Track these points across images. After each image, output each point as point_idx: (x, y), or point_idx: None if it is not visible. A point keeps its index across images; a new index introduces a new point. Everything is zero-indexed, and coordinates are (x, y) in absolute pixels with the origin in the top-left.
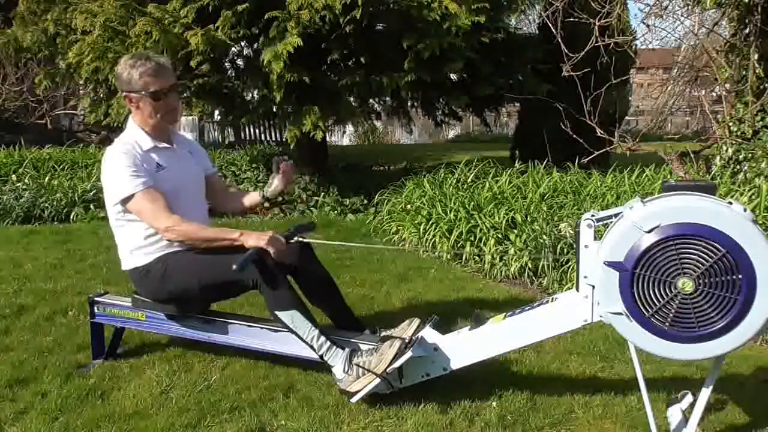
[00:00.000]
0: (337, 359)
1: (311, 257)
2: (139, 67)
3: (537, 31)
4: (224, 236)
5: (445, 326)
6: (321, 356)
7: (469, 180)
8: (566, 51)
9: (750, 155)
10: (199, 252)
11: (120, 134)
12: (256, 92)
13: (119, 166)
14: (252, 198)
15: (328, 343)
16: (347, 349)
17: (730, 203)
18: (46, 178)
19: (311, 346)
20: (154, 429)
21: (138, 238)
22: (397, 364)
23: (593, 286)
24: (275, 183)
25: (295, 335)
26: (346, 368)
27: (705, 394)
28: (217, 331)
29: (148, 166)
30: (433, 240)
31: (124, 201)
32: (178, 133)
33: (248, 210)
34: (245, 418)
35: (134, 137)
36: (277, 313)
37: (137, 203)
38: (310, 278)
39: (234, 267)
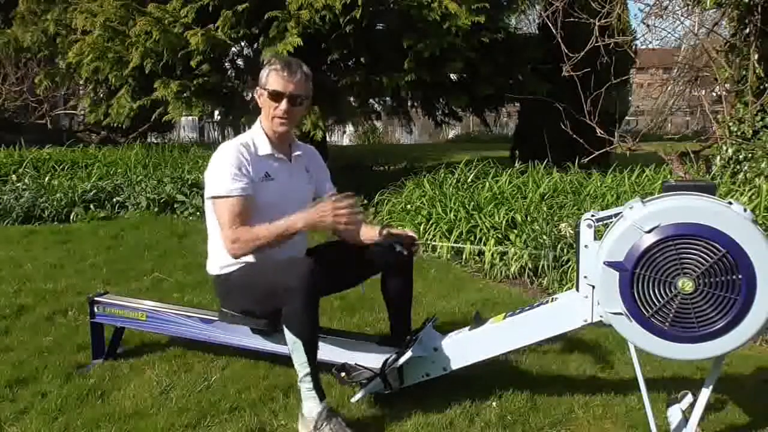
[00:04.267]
0: (309, 401)
1: (404, 273)
2: (271, 65)
3: (537, 31)
4: (287, 229)
5: (445, 326)
6: (299, 389)
7: (469, 180)
8: (566, 51)
9: (750, 155)
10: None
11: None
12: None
13: (224, 164)
14: (368, 233)
15: (311, 384)
16: (324, 404)
17: (730, 203)
18: (46, 178)
19: (297, 374)
20: (154, 429)
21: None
22: (397, 364)
23: (593, 286)
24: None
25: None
26: (315, 423)
27: (705, 394)
28: (217, 331)
29: (255, 172)
30: (433, 240)
31: (213, 198)
32: (304, 146)
33: (363, 243)
34: (245, 418)
35: (255, 138)
36: (285, 330)
37: (221, 206)
38: (391, 288)
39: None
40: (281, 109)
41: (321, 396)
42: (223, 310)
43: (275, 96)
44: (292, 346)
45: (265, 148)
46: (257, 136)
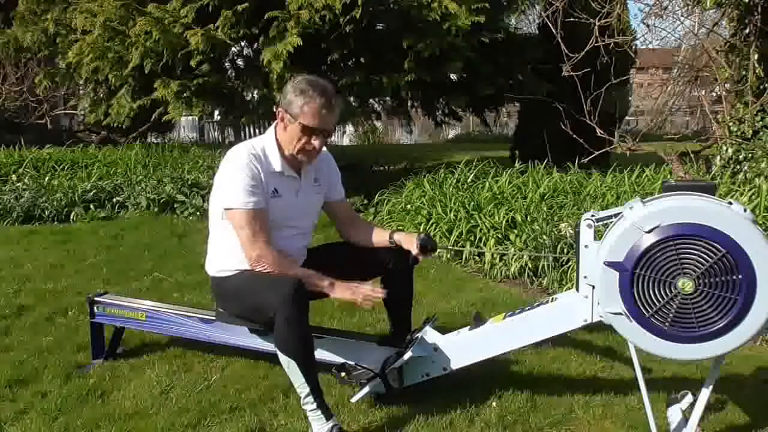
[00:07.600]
0: (317, 423)
1: (405, 277)
2: (308, 95)
3: (537, 31)
4: (312, 282)
5: (445, 326)
6: (304, 412)
7: (469, 180)
8: (566, 51)
9: (750, 155)
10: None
11: (253, 139)
12: (256, 92)
13: (239, 174)
14: (380, 237)
15: (315, 404)
16: (332, 423)
17: (730, 203)
18: (46, 178)
19: (299, 396)
20: (154, 429)
21: (236, 247)
22: (397, 364)
23: (593, 286)
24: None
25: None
26: None
27: (705, 394)
28: (217, 331)
29: (267, 187)
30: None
31: (229, 210)
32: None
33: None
34: (245, 418)
35: (267, 152)
36: (278, 352)
37: (240, 219)
38: (391, 291)
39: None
40: (314, 144)
41: (327, 415)
42: (219, 309)
43: (310, 131)
44: (287, 367)
45: (276, 165)
46: (270, 152)
